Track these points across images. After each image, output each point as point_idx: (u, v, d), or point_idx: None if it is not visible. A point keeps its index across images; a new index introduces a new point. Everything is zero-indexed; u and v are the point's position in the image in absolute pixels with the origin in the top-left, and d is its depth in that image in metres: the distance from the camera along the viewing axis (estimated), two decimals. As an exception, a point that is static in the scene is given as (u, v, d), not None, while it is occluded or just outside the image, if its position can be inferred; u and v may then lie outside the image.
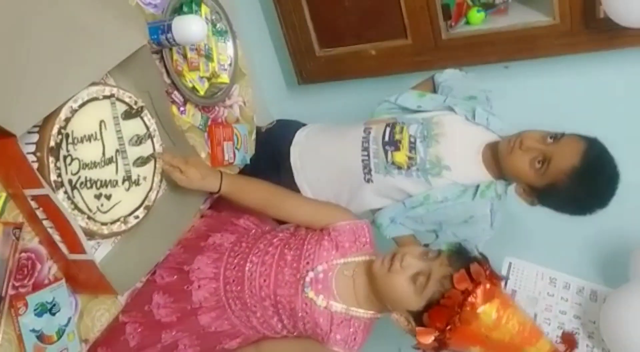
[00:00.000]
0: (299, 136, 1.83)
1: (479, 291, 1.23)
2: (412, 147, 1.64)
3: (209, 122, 1.63)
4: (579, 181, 1.51)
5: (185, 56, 1.52)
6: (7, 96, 1.04)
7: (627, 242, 2.02)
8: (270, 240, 1.51)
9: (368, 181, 1.68)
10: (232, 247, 1.53)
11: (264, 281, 1.44)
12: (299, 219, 1.55)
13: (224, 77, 1.65)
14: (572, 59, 2.11)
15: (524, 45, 2.13)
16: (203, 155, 1.59)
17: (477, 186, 1.61)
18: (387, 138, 1.67)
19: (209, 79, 1.60)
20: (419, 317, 1.29)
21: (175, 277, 1.50)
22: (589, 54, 2.08)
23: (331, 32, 2.34)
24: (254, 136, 1.80)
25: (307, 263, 1.43)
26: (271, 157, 1.81)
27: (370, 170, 1.67)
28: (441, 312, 1.25)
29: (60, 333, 1.20)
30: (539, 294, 1.93)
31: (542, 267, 1.94)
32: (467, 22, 2.28)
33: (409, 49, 2.25)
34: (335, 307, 1.38)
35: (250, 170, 1.74)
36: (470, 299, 1.23)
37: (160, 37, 1.37)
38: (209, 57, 1.59)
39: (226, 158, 1.65)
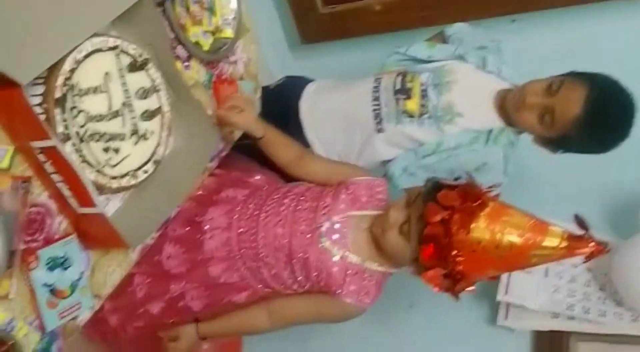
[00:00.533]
0: (308, 91, 1.81)
1: (457, 215, 1.20)
2: (424, 95, 1.63)
3: (214, 79, 1.60)
4: (589, 127, 1.51)
5: (187, 9, 1.48)
6: (11, 46, 1.01)
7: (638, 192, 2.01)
8: (285, 193, 1.51)
9: (379, 130, 1.67)
10: (246, 199, 1.53)
11: (279, 230, 1.44)
12: (317, 176, 1.56)
13: (228, 32, 1.61)
14: (579, 10, 2.07)
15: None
16: (209, 112, 1.57)
17: (490, 132, 1.60)
18: (398, 87, 1.66)
19: (212, 33, 1.57)
20: (424, 267, 1.28)
21: (188, 228, 1.50)
22: (597, 4, 2.03)
23: (334, -13, 2.29)
24: (259, 94, 1.78)
25: (324, 214, 1.42)
26: (280, 114, 1.78)
27: (381, 119, 1.66)
28: (430, 249, 1.23)
29: (72, 288, 1.20)
30: None
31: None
32: (474, -25, 2.23)
33: (415, 3, 2.20)
34: (350, 259, 1.38)
35: None
36: (451, 226, 1.20)
37: (162, -13, 1.34)
38: (211, 11, 1.56)
39: (232, 115, 1.62)
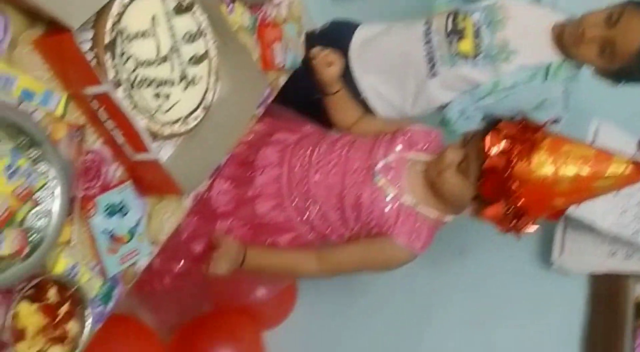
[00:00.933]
0: (356, 39, 1.77)
1: (518, 146, 1.18)
2: (477, 34, 1.58)
3: (258, 23, 1.57)
4: None
5: (229, -50, 1.44)
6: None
7: None
8: (339, 138, 1.50)
9: (433, 75, 1.62)
10: (298, 141, 1.53)
11: (332, 167, 1.43)
12: (372, 127, 1.55)
13: (270, -27, 1.57)
14: None
15: None
16: (254, 57, 1.54)
17: (548, 67, 1.54)
18: (450, 28, 1.61)
19: (255, -26, 1.53)
20: (482, 201, 1.26)
21: (240, 167, 1.51)
22: None
23: None
24: (302, 38, 1.74)
25: (379, 154, 1.41)
26: None
27: (435, 63, 1.62)
28: (491, 182, 1.20)
29: (131, 234, 1.21)
30: None
31: (629, 134, 1.79)
32: None
33: None
34: (404, 199, 1.36)
35: (307, 78, 1.68)
36: (512, 157, 1.17)
37: None
38: (254, -48, 1.51)
39: (277, 61, 1.59)
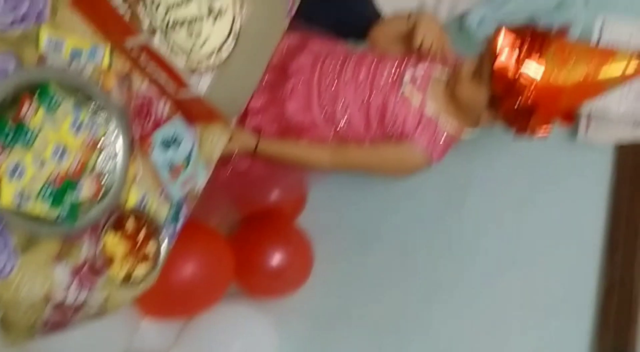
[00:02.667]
0: None
1: (528, 42, 1.23)
2: None
3: None
4: None
5: None
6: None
7: None
8: (371, 51, 1.56)
9: None
10: (330, 51, 1.59)
11: (363, 71, 1.50)
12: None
13: None
14: None
15: None
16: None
17: None
18: None
19: None
20: (497, 105, 1.33)
21: (274, 71, 1.58)
22: None
23: None
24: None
25: (409, 65, 1.47)
26: None
27: None
28: (503, 79, 1.26)
29: (187, 161, 1.35)
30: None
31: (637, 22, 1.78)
32: None
33: None
34: (428, 107, 1.44)
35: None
36: (522, 52, 1.23)
37: None
38: None
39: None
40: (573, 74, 1.22)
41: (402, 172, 1.51)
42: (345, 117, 1.50)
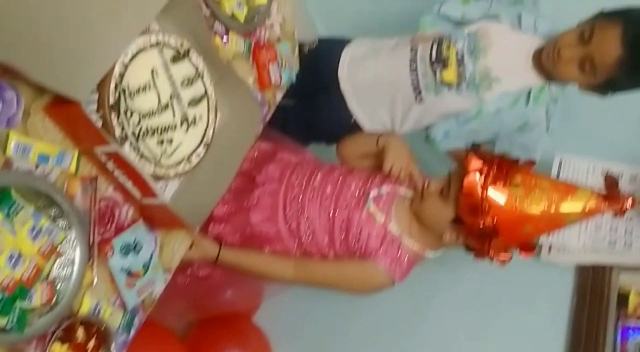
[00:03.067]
0: (344, 60, 1.83)
1: (495, 168, 1.29)
2: (460, 62, 1.64)
3: (252, 47, 1.64)
4: (633, 65, 1.49)
5: (221, -16, 1.51)
6: (63, 66, 1.08)
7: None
8: (339, 165, 1.61)
9: (420, 101, 1.70)
10: (299, 162, 1.62)
11: (328, 189, 1.52)
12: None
13: (262, -2, 1.63)
14: None
15: None
16: (250, 80, 1.63)
17: (529, 92, 1.61)
18: (434, 57, 1.66)
19: (246, 2, 1.59)
20: (460, 224, 1.36)
21: (242, 180, 1.59)
22: None
23: None
24: (296, 53, 1.81)
25: (374, 183, 1.50)
26: (320, 85, 1.83)
27: (420, 91, 1.68)
28: (469, 200, 1.30)
29: (146, 268, 1.33)
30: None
31: (593, 159, 1.92)
32: None
33: None
34: (391, 227, 1.46)
35: (300, 96, 1.77)
36: (489, 179, 1.28)
37: (195, -28, 1.36)
38: (244, -20, 1.57)
39: (273, 80, 1.67)
40: (535, 205, 1.26)
41: (365, 290, 1.50)
42: (310, 230, 1.50)
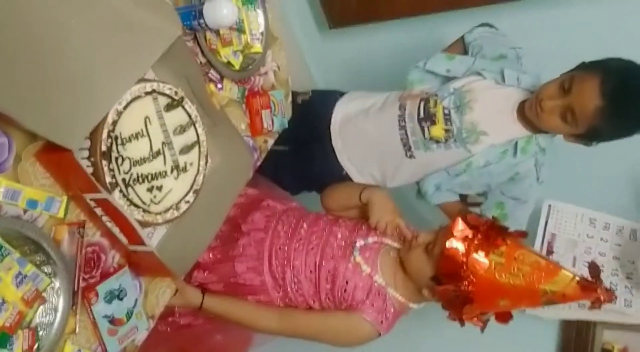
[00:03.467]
0: (336, 118, 1.86)
1: (480, 237, 1.28)
2: (447, 119, 1.67)
3: (246, 93, 1.66)
4: (614, 114, 1.52)
5: (218, 33, 1.53)
6: (57, 112, 1.09)
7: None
8: (325, 214, 1.60)
9: (410, 156, 1.73)
10: (286, 211, 1.62)
11: (314, 239, 1.52)
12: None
13: (257, 47, 1.66)
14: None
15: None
16: (243, 126, 1.64)
17: (516, 144, 1.64)
18: (422, 114, 1.70)
19: (242, 51, 1.62)
20: (437, 283, 1.36)
21: (228, 226, 1.58)
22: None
23: (361, -27, 2.29)
24: (289, 99, 1.83)
25: (360, 233, 1.50)
26: (311, 133, 1.85)
27: (410, 147, 1.72)
28: (449, 263, 1.29)
29: (129, 315, 1.31)
30: (579, 236, 1.95)
31: (582, 208, 1.95)
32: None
33: (441, -12, 2.19)
34: (377, 278, 1.45)
35: (292, 147, 1.79)
36: (472, 246, 1.27)
37: (192, 23, 1.39)
38: (240, 30, 1.60)
39: (265, 126, 1.69)
40: (515, 280, 1.26)
41: (350, 342, 1.48)
42: (295, 281, 1.50)
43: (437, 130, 1.68)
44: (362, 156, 1.82)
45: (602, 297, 1.22)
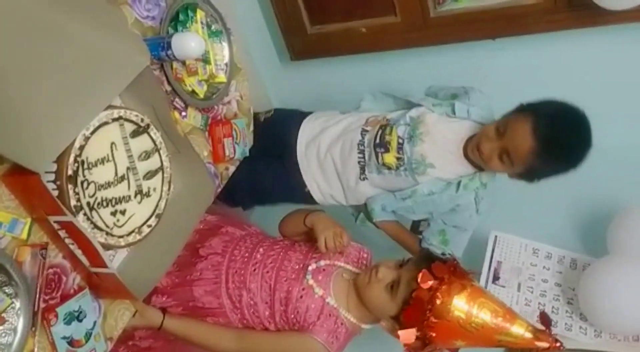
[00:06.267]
0: (301, 139, 1.95)
1: (444, 287, 1.35)
2: (400, 148, 1.77)
3: (209, 121, 1.71)
4: (548, 154, 1.61)
5: (184, 63, 1.58)
6: (26, 135, 1.12)
7: (606, 209, 2.15)
8: (282, 239, 1.66)
9: (364, 179, 1.82)
10: (244, 236, 1.66)
11: (270, 263, 1.56)
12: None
13: (221, 77, 1.72)
14: (556, 36, 2.17)
15: (510, 23, 2.18)
16: (205, 153, 1.69)
17: (459, 182, 1.73)
18: (377, 140, 1.79)
19: (207, 80, 1.67)
20: (399, 321, 1.42)
21: (186, 252, 1.61)
22: (573, 31, 2.14)
23: (321, 10, 2.37)
24: (251, 128, 1.89)
25: (313, 257, 1.55)
26: (273, 150, 1.93)
27: (365, 170, 1.81)
28: (414, 311, 1.36)
29: (87, 336, 1.33)
30: (523, 264, 2.05)
31: (525, 239, 2.07)
32: (455, 0, 2.31)
33: (399, 26, 2.30)
34: (330, 300, 1.50)
35: (256, 163, 1.86)
36: (438, 294, 1.34)
37: (160, 53, 1.44)
38: (206, 61, 1.66)
39: (227, 154, 1.74)
40: (474, 325, 1.34)
41: None
42: (252, 303, 1.54)
43: (390, 158, 1.78)
44: (323, 176, 1.91)
45: (551, 346, 1.32)
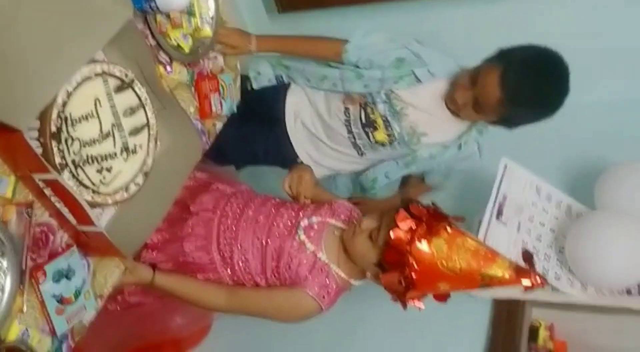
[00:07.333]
0: (289, 110, 1.94)
1: (423, 227, 1.33)
2: (387, 124, 1.77)
3: (195, 77, 1.68)
4: (518, 103, 1.59)
5: (168, 16, 1.54)
6: (6, 92, 1.09)
7: (595, 165, 2.14)
8: (272, 197, 1.64)
9: (362, 155, 1.84)
10: (234, 193, 1.65)
11: (261, 219, 1.56)
12: None
13: (207, 31, 1.68)
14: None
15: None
16: (192, 109, 1.66)
17: (459, 143, 1.73)
18: (364, 120, 1.79)
19: (192, 34, 1.63)
20: (382, 266, 1.42)
21: (176, 208, 1.60)
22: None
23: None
24: (238, 83, 1.86)
25: (305, 214, 1.55)
26: (263, 116, 1.91)
27: (360, 148, 1.83)
28: (394, 252, 1.35)
29: (77, 294, 1.32)
30: (525, 202, 1.99)
31: (531, 174, 2.01)
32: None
33: (388, -23, 2.24)
34: (321, 255, 1.51)
35: (247, 129, 1.84)
36: (416, 234, 1.33)
37: (143, 5, 1.40)
38: (191, 13, 1.61)
39: (214, 110, 1.71)
40: (455, 267, 1.32)
41: (294, 317, 1.53)
42: (243, 259, 1.54)
43: (380, 135, 1.78)
44: (317, 150, 1.92)
45: (534, 283, 1.31)
